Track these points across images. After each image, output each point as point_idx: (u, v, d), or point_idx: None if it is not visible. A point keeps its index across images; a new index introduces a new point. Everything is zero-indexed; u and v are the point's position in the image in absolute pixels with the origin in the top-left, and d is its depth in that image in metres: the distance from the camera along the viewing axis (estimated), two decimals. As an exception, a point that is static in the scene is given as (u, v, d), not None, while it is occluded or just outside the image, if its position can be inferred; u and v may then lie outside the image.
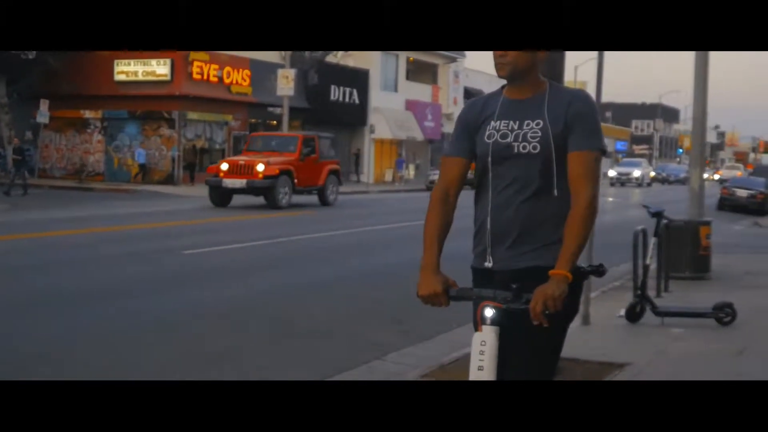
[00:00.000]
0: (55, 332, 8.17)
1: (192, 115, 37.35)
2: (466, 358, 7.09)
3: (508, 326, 3.29)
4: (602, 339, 7.89)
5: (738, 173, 64.67)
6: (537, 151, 3.43)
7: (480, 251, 3.57)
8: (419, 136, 52.56)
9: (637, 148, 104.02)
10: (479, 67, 65.80)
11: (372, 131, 45.53)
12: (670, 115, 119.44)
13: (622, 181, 62.58)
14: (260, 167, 24.99)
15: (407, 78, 54.48)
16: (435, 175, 48.11)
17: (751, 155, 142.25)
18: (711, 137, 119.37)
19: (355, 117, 48.19)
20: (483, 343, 3.26)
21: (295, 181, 26.06)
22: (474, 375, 3.25)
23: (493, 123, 3.52)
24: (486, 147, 3.51)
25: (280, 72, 36.17)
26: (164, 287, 10.76)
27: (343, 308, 9.81)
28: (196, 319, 8.93)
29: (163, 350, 7.62)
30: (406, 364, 7.32)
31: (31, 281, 10.95)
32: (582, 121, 3.43)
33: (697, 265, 12.17)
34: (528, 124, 3.47)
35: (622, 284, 11.21)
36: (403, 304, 10.03)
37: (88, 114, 38.63)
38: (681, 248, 11.88)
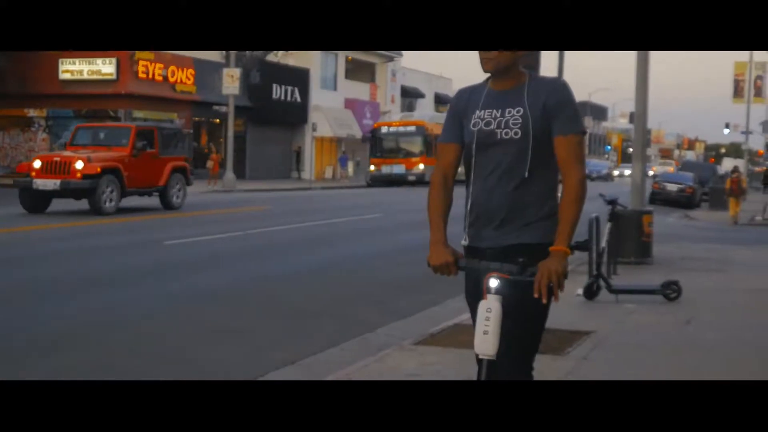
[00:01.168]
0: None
1: (138, 114, 37.68)
2: (452, 329, 8.06)
3: (507, 296, 3.55)
4: (566, 313, 8.85)
5: (670, 169, 66.57)
6: (518, 136, 3.69)
7: (471, 231, 3.82)
8: (358, 133, 53.41)
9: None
10: (416, 66, 66.77)
11: (314, 129, 46.29)
12: (599, 112, 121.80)
13: None
14: (78, 164, 20.56)
15: (346, 77, 55.32)
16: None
17: (676, 152, 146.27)
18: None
19: (296, 115, 48.91)
20: (489, 309, 3.51)
21: (125, 181, 21.57)
22: (479, 338, 3.52)
23: (478, 112, 3.78)
24: (471, 135, 3.79)
25: (225, 71, 36.72)
26: None
27: (325, 293, 10.63)
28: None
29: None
30: (396, 336, 8.20)
31: None
32: (563, 108, 3.69)
33: (640, 251, 13.29)
34: (509, 112, 3.71)
35: (573, 268, 12.24)
36: (380, 289, 10.95)
37: (32, 113, 38.71)
38: (626, 235, 12.95)
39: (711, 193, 33.83)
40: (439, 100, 70.01)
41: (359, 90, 55.98)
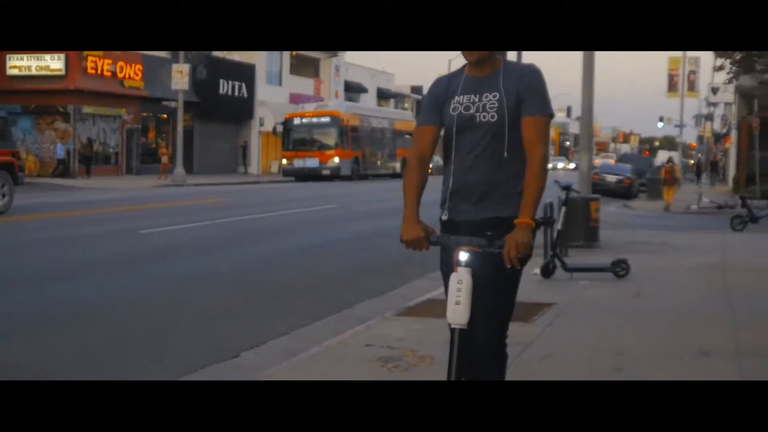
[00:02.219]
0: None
1: (87, 110, 37.88)
2: (426, 303, 8.89)
3: (477, 268, 3.74)
4: (527, 289, 9.71)
5: (612, 161, 68.06)
6: (495, 119, 3.91)
7: (449, 206, 4.04)
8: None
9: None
10: (358, 62, 67.47)
11: (261, 124, 46.81)
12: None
13: None
14: None
15: (291, 72, 55.87)
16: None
17: (612, 145, 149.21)
18: (575, 128, 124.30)
19: (242, 110, 49.39)
20: (459, 281, 3.69)
21: None
22: (451, 309, 3.71)
23: (457, 98, 3.99)
24: (451, 119, 3.99)
25: (175, 67, 37.09)
26: None
27: (301, 276, 11.37)
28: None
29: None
30: (375, 310, 8.99)
31: None
32: (533, 91, 3.92)
33: (588, 235, 14.28)
34: (486, 96, 3.93)
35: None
36: (349, 272, 11.74)
37: (-21, 108, 38.65)
38: (575, 221, 13.90)
39: (649, 184, 35.16)
40: (382, 95, 70.92)
41: (304, 85, 56.60)
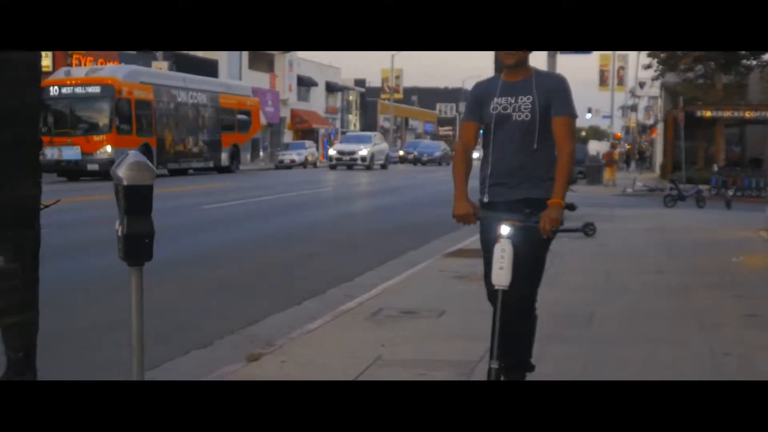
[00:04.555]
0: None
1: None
2: (458, 250, 12.50)
3: (517, 239, 4.40)
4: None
5: None
6: (528, 118, 4.61)
7: (489, 191, 4.75)
8: (262, 120, 57.18)
9: (442, 130, 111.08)
10: (310, 57, 70.61)
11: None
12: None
13: (347, 163, 47.65)
14: None
15: (249, 67, 58.99)
16: (283, 156, 52.40)
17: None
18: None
19: (206, 104, 52.19)
20: (503, 250, 4.37)
21: None
22: (496, 273, 4.40)
23: (496, 99, 4.66)
24: (491, 117, 4.67)
25: (155, 64, 40.02)
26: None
27: (355, 233, 14.98)
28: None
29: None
30: (422, 256, 12.59)
31: None
32: (560, 95, 4.64)
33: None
34: (521, 99, 4.61)
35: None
36: (384, 233, 15.32)
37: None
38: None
39: (588, 170, 39.09)
40: (330, 88, 74.23)
41: (261, 79, 59.69)
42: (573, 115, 4.69)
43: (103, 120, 31.06)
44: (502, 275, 4.38)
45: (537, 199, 4.57)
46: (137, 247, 3.80)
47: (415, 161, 60.67)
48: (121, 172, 3.82)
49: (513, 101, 4.63)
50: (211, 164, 38.45)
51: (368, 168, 46.86)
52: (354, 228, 16.56)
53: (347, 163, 47.21)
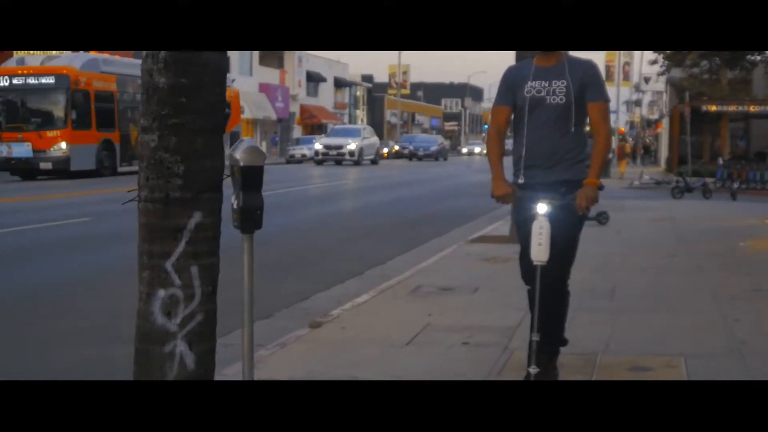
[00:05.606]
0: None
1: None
2: (480, 237, 13.28)
3: (553, 218, 4.57)
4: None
5: None
6: (563, 102, 4.73)
7: (524, 172, 4.87)
8: (273, 115, 58.04)
9: (448, 125, 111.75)
10: (318, 53, 71.36)
11: (242, 112, 50.48)
12: (476, 94, 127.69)
13: (335, 158, 45.49)
14: None
15: (260, 63, 59.79)
16: (294, 150, 53.05)
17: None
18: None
19: (218, 99, 53.12)
20: (541, 227, 4.57)
21: None
22: (535, 249, 4.60)
23: (530, 83, 4.78)
24: (524, 100, 4.79)
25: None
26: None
27: (384, 222, 15.76)
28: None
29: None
30: (445, 243, 13.37)
31: None
32: (594, 81, 4.82)
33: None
34: (555, 83, 4.74)
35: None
36: (401, 224, 16.10)
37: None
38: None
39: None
40: (338, 84, 74.99)
41: (271, 75, 60.59)
42: (607, 100, 4.92)
43: (58, 114, 28.60)
44: (541, 251, 4.58)
45: (570, 180, 4.77)
46: (250, 217, 4.51)
47: (411, 156, 58.81)
48: (238, 155, 4.54)
49: (547, 85, 4.77)
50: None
51: (356, 163, 45.06)
52: (375, 219, 17.33)
53: (334, 158, 45.13)
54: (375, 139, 49.81)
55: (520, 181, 4.87)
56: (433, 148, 59.19)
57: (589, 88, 4.79)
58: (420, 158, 58.03)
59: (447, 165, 51.38)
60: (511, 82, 4.91)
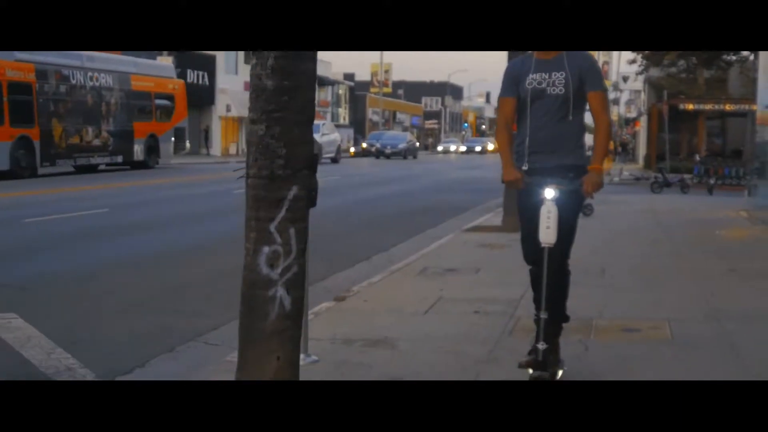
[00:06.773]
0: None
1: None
2: (476, 226, 14.17)
3: (560, 202, 4.85)
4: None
5: None
6: (562, 93, 5.00)
7: (528, 159, 5.11)
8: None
9: (428, 123, 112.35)
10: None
11: (228, 110, 51.10)
12: (457, 92, 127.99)
13: None
14: None
15: (245, 62, 60.41)
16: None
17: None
18: (490, 112, 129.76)
19: (204, 97, 53.80)
20: (549, 211, 4.84)
21: None
22: (543, 232, 4.86)
23: (531, 75, 5.06)
24: (527, 91, 5.07)
25: (159, 58, 41.47)
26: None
27: (386, 214, 16.61)
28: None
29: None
30: (443, 232, 14.24)
31: None
32: (592, 72, 5.08)
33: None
34: (554, 75, 5.01)
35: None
36: (398, 216, 16.96)
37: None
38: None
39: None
40: (320, 82, 75.61)
41: (255, 74, 61.17)
42: (605, 89, 5.18)
43: None
44: (549, 234, 4.83)
45: (571, 165, 5.03)
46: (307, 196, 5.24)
47: (378, 154, 55.35)
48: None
49: (547, 77, 5.02)
50: (119, 159, 31.68)
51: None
52: (372, 212, 18.19)
53: None
54: (336, 136, 46.95)
55: (524, 167, 5.11)
56: (401, 146, 55.64)
57: (588, 79, 5.05)
58: (388, 156, 54.53)
59: (415, 165, 46.99)
60: (514, 75, 5.18)
